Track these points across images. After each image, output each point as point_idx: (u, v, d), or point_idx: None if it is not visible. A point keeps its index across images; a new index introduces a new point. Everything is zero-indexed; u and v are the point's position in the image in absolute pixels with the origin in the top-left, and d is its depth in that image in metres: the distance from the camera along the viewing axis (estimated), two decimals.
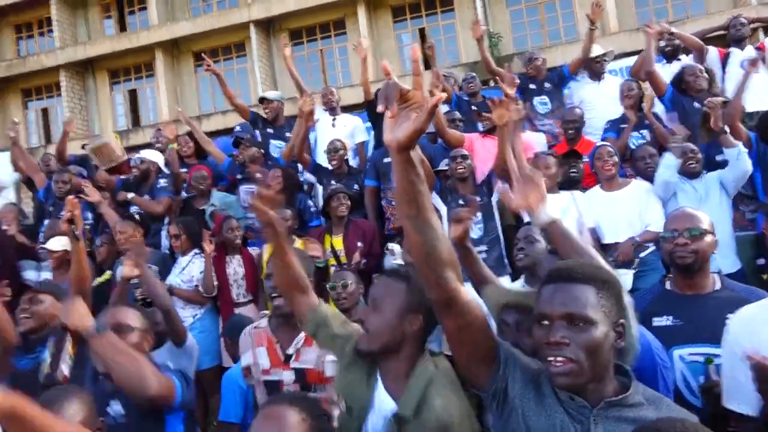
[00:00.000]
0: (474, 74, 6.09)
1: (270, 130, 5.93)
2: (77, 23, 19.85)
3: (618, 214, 3.97)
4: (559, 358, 1.33)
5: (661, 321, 2.22)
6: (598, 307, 1.34)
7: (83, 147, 6.68)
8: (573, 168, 4.42)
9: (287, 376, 2.45)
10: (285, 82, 17.62)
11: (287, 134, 5.72)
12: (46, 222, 5.39)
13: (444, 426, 1.69)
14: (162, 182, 5.38)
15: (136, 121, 19.32)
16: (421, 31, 17.34)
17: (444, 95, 1.28)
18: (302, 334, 2.48)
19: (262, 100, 6.09)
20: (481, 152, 4.66)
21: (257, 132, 5.93)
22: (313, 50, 18.17)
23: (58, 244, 4.41)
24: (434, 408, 1.72)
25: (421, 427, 1.69)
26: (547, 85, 5.71)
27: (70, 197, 3.02)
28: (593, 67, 5.62)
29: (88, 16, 19.93)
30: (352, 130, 5.80)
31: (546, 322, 1.37)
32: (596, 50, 5.63)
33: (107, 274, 4.52)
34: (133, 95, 19.69)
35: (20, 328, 2.89)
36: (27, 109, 20.01)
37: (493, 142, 5.00)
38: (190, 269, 4.53)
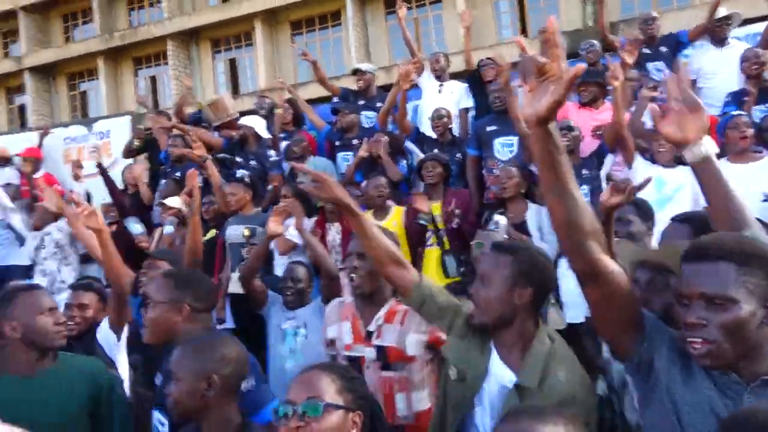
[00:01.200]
0: (594, 42, 5.64)
1: (361, 102, 5.96)
2: None
3: (741, 187, 3.67)
4: (697, 340, 1.29)
5: None
6: (739, 284, 1.27)
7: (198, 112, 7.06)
8: None
9: (369, 353, 2.44)
10: (378, 52, 17.63)
11: (378, 104, 5.74)
12: (162, 182, 5.78)
13: (569, 398, 1.70)
14: (273, 155, 5.42)
15: (235, 89, 20.05)
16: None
17: (584, 66, 1.28)
18: (382, 311, 2.47)
19: (356, 72, 6.13)
20: (576, 123, 4.43)
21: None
22: (408, 19, 17.92)
23: (175, 201, 4.75)
24: (558, 380, 1.74)
25: (545, 398, 1.69)
26: (663, 49, 5.32)
27: (191, 171, 3.28)
28: (715, 31, 5.15)
29: None
30: (459, 97, 5.67)
31: (686, 302, 1.33)
32: (719, 12, 5.15)
33: (212, 232, 4.78)
34: (233, 64, 20.42)
35: (142, 289, 3.21)
36: (137, 76, 21.27)
37: (590, 114, 4.76)
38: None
